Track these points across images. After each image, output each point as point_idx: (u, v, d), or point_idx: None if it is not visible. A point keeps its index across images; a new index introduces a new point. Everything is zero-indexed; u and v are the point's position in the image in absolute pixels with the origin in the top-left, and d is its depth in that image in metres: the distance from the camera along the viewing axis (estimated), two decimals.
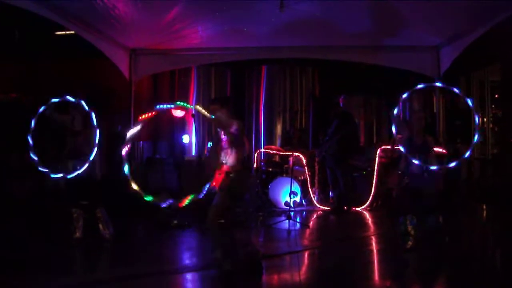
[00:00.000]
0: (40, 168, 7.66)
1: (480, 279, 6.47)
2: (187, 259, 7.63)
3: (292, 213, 9.92)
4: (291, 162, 11.37)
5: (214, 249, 6.36)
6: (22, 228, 9.30)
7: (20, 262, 7.01)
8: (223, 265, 6.17)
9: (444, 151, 9.71)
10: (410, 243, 7.40)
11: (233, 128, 6.30)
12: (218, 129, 6.67)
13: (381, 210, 11.31)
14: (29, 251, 7.63)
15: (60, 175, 7.79)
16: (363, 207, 11.57)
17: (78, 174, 7.86)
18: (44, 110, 7.75)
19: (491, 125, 14.44)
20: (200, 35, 11.10)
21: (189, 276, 6.62)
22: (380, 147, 11.92)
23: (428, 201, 7.54)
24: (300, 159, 11.91)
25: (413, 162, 7.50)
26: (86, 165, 7.75)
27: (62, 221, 8.55)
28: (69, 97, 7.79)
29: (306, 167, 11.92)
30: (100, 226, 8.14)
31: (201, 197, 6.16)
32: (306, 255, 7.75)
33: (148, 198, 6.26)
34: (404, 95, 7.98)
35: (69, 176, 7.82)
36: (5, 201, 10.87)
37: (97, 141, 7.76)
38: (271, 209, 11.36)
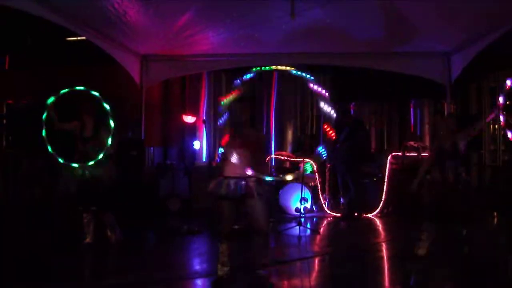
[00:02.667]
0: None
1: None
2: (197, 265, 7.62)
3: (302, 219, 9.92)
4: (301, 168, 11.36)
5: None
6: (31, 233, 9.34)
7: (28, 267, 7.04)
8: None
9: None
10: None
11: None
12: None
13: (394, 216, 11.33)
14: (37, 257, 7.65)
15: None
16: (373, 213, 11.56)
17: (87, 179, 7.91)
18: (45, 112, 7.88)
19: (502, 132, 14.37)
20: (211, 41, 11.13)
21: (199, 282, 6.62)
22: (391, 153, 11.92)
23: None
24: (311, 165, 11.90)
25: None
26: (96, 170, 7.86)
27: (72, 226, 8.58)
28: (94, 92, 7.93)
29: (317, 174, 11.92)
30: (108, 231, 8.14)
31: None
32: (316, 261, 7.75)
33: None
34: None
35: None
36: (15, 206, 10.93)
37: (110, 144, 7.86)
38: (282, 215, 11.36)
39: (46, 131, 7.86)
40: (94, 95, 7.94)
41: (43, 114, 7.87)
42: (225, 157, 6.15)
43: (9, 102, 12.97)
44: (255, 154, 6.14)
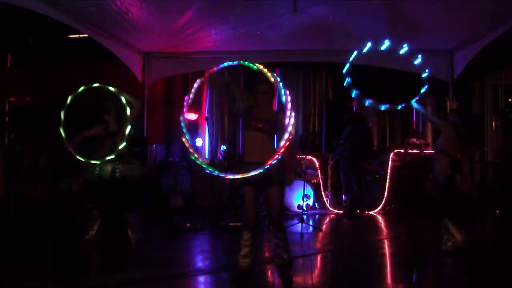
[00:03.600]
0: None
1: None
2: (200, 262, 7.62)
3: (305, 217, 9.92)
4: (304, 166, 11.37)
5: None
6: (32, 231, 9.36)
7: (33, 263, 7.05)
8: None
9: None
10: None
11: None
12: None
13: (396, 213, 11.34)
14: (41, 254, 7.67)
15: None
16: (376, 210, 11.56)
17: (116, 178, 7.87)
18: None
19: None
20: (213, 38, 11.13)
21: (201, 279, 6.63)
22: (393, 150, 11.92)
23: None
24: (313, 163, 11.92)
25: None
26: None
27: (74, 224, 8.60)
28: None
29: (319, 171, 11.93)
30: (129, 230, 8.09)
31: None
32: (318, 258, 7.74)
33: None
34: None
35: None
36: (17, 204, 10.95)
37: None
38: (284, 212, 11.36)
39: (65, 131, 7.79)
40: (110, 91, 7.91)
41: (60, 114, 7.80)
42: (244, 142, 6.02)
43: (11, 100, 12.97)
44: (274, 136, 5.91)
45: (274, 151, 5.58)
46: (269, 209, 5.91)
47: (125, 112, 7.74)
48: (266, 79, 5.93)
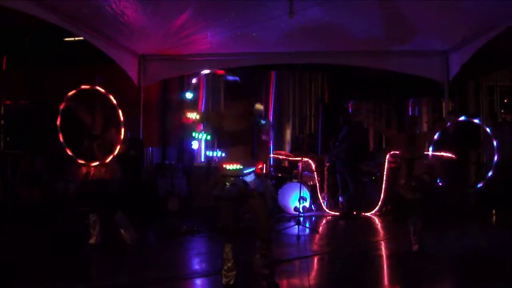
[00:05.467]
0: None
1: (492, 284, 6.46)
2: (196, 265, 7.61)
3: (301, 219, 9.90)
4: (300, 168, 11.36)
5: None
6: (30, 233, 9.33)
7: (30, 268, 7.03)
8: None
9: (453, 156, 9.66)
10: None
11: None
12: None
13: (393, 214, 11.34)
14: (38, 257, 7.64)
15: None
16: (372, 212, 11.56)
17: (93, 180, 7.84)
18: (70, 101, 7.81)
19: None
20: (209, 40, 11.13)
21: (198, 281, 6.62)
22: (389, 152, 11.91)
23: None
24: (309, 165, 11.91)
25: None
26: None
27: (73, 226, 8.57)
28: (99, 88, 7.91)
29: (315, 173, 11.92)
30: (122, 231, 8.06)
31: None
32: (315, 260, 7.73)
33: None
34: None
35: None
36: (14, 207, 10.92)
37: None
38: (281, 215, 11.35)
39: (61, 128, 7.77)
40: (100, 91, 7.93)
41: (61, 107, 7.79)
42: (222, 154, 5.88)
43: (7, 103, 12.95)
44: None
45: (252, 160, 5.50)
46: (257, 224, 5.66)
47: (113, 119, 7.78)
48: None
